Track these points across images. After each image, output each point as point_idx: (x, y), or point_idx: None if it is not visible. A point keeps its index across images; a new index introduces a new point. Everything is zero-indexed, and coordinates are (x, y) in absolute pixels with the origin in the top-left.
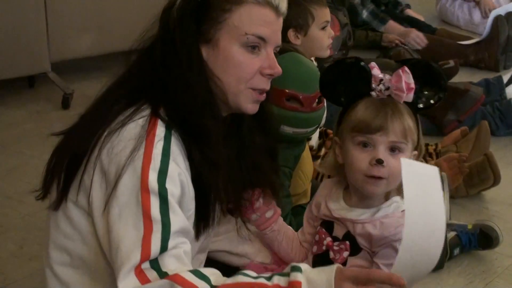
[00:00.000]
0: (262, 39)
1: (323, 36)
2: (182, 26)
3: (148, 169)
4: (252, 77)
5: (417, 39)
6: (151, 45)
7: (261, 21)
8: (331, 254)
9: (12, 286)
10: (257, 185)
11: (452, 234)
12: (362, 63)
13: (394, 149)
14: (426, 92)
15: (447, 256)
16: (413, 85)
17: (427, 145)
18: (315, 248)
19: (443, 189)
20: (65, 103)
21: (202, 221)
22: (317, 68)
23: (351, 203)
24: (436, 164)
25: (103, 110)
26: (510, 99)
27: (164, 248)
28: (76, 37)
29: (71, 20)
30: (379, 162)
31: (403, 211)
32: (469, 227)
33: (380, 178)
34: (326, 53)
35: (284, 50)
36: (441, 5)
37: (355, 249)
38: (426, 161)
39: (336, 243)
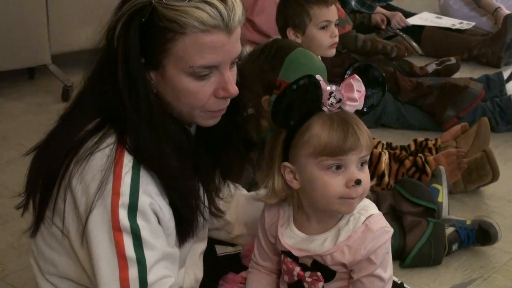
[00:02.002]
0: (211, 67)
1: (323, 35)
2: (125, 56)
3: (118, 206)
4: (206, 102)
5: (401, 22)
6: (102, 62)
7: (208, 49)
8: (306, 286)
9: (10, 277)
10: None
11: (450, 229)
12: (315, 80)
13: (362, 164)
14: (369, 95)
15: (445, 251)
16: (364, 92)
17: (426, 140)
18: (286, 278)
19: (442, 184)
20: (65, 96)
21: (184, 234)
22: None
23: (310, 230)
24: (434, 159)
25: (72, 133)
26: (510, 95)
27: (143, 285)
28: (77, 29)
29: (72, 12)
30: (358, 183)
31: (363, 222)
32: (468, 222)
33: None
34: (328, 52)
35: (293, 46)
36: (444, 1)
37: (329, 275)
38: (425, 156)
39: (307, 274)
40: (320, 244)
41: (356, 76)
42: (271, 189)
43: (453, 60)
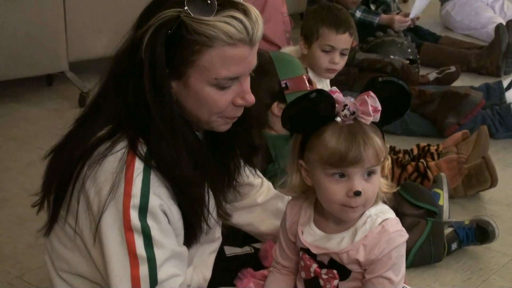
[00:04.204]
0: (234, 78)
1: (322, 57)
2: (151, 66)
3: (129, 208)
4: (225, 110)
5: (402, 24)
6: (125, 71)
7: (233, 61)
8: (321, 282)
9: (28, 275)
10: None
11: (449, 230)
12: (326, 93)
13: (369, 173)
14: (393, 109)
15: (445, 251)
16: (379, 108)
17: (429, 145)
18: (303, 274)
19: (442, 189)
20: (82, 101)
21: (187, 238)
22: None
23: (328, 228)
24: (436, 165)
25: (86, 137)
26: (509, 104)
27: (154, 282)
28: (93, 38)
29: (89, 21)
30: (358, 194)
31: (380, 224)
32: (466, 222)
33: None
34: (324, 74)
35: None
36: (445, 12)
37: (344, 274)
38: (427, 162)
39: (324, 271)
40: (338, 243)
41: (371, 93)
42: (289, 183)
43: (452, 69)
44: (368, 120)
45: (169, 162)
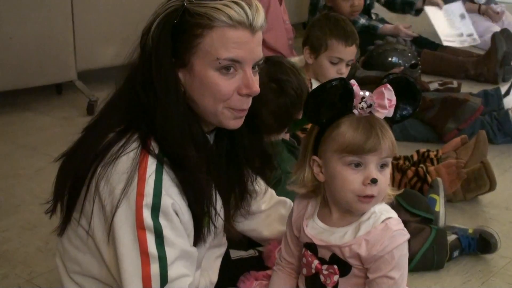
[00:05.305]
0: (236, 61)
1: (330, 68)
2: (158, 53)
3: (142, 206)
4: (230, 98)
5: (407, 35)
6: (135, 70)
7: (234, 43)
8: (322, 278)
9: (38, 279)
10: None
11: (453, 237)
12: (348, 84)
13: (382, 165)
14: (403, 106)
15: (447, 257)
16: (394, 101)
17: (428, 151)
18: (304, 271)
19: (439, 194)
20: (90, 110)
21: (198, 236)
22: None
23: (332, 222)
24: (435, 170)
25: (98, 140)
26: (507, 109)
27: (164, 281)
28: (101, 48)
29: (97, 32)
30: (374, 181)
31: (383, 221)
32: (470, 231)
33: (372, 196)
34: None
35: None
36: None
37: (344, 271)
38: (426, 167)
39: (324, 267)
40: (341, 237)
41: (388, 86)
42: (301, 179)
43: (455, 84)
44: (383, 113)
45: (174, 142)
